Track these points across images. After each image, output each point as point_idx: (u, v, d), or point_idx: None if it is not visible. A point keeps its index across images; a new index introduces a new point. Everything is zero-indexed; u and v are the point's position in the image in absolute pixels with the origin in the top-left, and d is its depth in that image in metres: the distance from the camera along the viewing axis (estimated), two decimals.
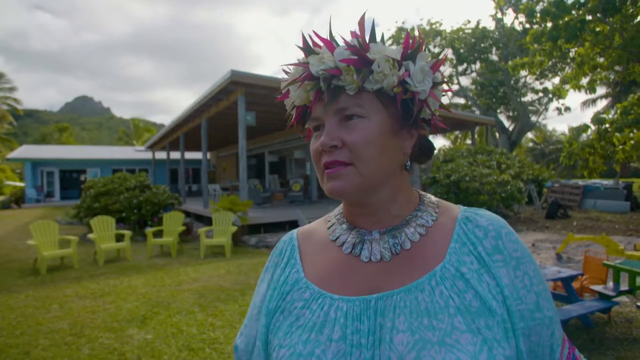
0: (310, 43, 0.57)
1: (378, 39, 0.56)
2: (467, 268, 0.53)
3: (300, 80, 0.56)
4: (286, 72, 0.60)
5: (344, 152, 0.54)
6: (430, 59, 0.56)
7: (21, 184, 25.36)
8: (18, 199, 21.70)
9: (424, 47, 0.56)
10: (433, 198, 0.64)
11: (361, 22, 0.55)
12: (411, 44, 0.55)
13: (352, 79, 0.53)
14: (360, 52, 0.54)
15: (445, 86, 0.59)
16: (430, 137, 0.66)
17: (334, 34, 0.56)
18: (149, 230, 7.46)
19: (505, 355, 0.48)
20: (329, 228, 0.65)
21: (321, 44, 0.56)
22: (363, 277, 0.57)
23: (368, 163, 0.54)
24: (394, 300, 0.53)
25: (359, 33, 0.56)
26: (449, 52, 21.88)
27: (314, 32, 0.57)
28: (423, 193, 0.64)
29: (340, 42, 0.56)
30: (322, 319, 0.55)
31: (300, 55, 0.58)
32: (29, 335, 3.54)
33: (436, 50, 22.36)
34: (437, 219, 0.59)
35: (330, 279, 0.59)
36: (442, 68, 0.58)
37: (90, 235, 6.98)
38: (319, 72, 0.54)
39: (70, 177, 26.18)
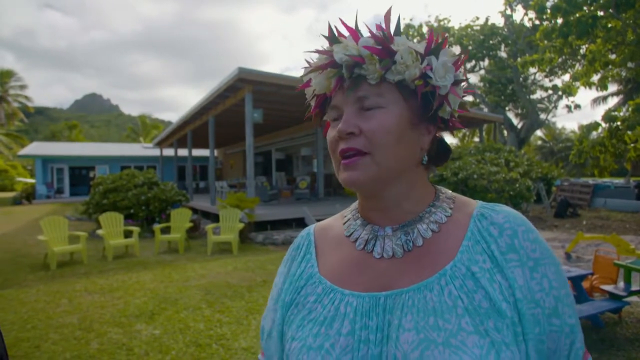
0: (335, 32, 0.57)
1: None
2: (478, 267, 0.52)
3: (324, 67, 0.57)
4: (308, 62, 0.61)
5: (361, 139, 0.54)
6: (454, 55, 0.56)
7: (32, 181, 25.70)
8: (29, 195, 22.03)
9: (447, 45, 0.56)
10: (450, 193, 0.63)
11: (387, 16, 0.56)
12: (435, 39, 0.55)
13: (374, 68, 0.54)
14: (384, 42, 0.54)
15: (465, 86, 0.59)
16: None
17: (359, 26, 0.56)
18: (157, 227, 7.52)
19: (513, 359, 0.47)
20: (344, 223, 0.66)
21: (346, 33, 0.57)
22: (374, 274, 0.57)
23: (385, 152, 0.54)
24: (403, 299, 0.53)
25: (384, 26, 0.56)
26: (457, 49, 21.68)
27: (341, 20, 0.57)
28: (440, 188, 0.63)
29: (365, 34, 0.56)
30: (332, 313, 0.55)
31: (325, 45, 0.59)
32: (39, 329, 3.59)
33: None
34: (452, 215, 0.58)
35: (342, 274, 0.59)
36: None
37: (99, 231, 7.06)
38: (343, 59, 0.54)
39: (80, 174, 26.47)
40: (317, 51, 0.58)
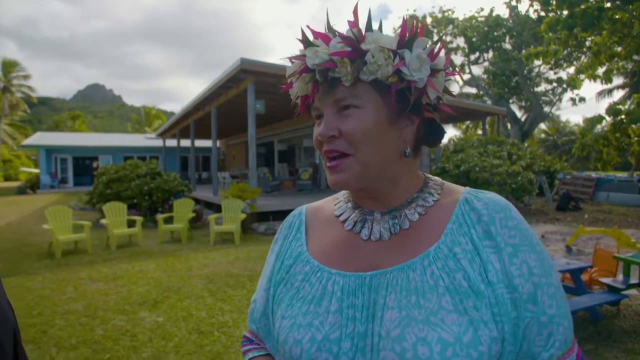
0: (311, 35, 0.57)
1: (376, 27, 0.55)
2: (460, 248, 0.53)
3: (298, 73, 0.57)
4: (291, 61, 0.61)
5: (342, 141, 0.56)
6: (429, 44, 0.55)
7: (36, 170, 25.84)
8: (33, 185, 22.14)
9: (423, 33, 0.54)
10: (439, 180, 0.64)
11: (355, 11, 0.55)
12: (409, 31, 0.54)
13: (346, 71, 0.53)
14: (354, 44, 0.53)
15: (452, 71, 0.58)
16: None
17: (332, 26, 0.56)
18: (160, 217, 7.58)
19: (491, 336, 0.48)
20: (335, 205, 0.68)
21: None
22: (361, 255, 0.59)
23: (366, 152, 0.55)
24: (387, 278, 0.54)
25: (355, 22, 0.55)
26: (460, 41, 21.50)
27: (308, 27, 0.57)
28: (430, 176, 0.65)
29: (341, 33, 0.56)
30: (320, 291, 0.57)
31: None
32: (45, 316, 3.65)
33: (448, 38, 21.98)
34: (439, 199, 0.60)
35: (330, 254, 0.61)
36: (442, 55, 0.56)
37: (103, 221, 7.12)
38: (314, 66, 0.55)
39: (83, 164, 26.59)
40: (291, 58, 0.59)
